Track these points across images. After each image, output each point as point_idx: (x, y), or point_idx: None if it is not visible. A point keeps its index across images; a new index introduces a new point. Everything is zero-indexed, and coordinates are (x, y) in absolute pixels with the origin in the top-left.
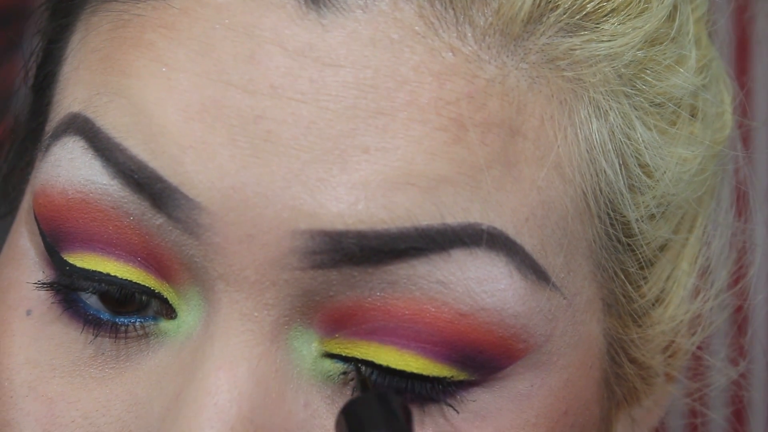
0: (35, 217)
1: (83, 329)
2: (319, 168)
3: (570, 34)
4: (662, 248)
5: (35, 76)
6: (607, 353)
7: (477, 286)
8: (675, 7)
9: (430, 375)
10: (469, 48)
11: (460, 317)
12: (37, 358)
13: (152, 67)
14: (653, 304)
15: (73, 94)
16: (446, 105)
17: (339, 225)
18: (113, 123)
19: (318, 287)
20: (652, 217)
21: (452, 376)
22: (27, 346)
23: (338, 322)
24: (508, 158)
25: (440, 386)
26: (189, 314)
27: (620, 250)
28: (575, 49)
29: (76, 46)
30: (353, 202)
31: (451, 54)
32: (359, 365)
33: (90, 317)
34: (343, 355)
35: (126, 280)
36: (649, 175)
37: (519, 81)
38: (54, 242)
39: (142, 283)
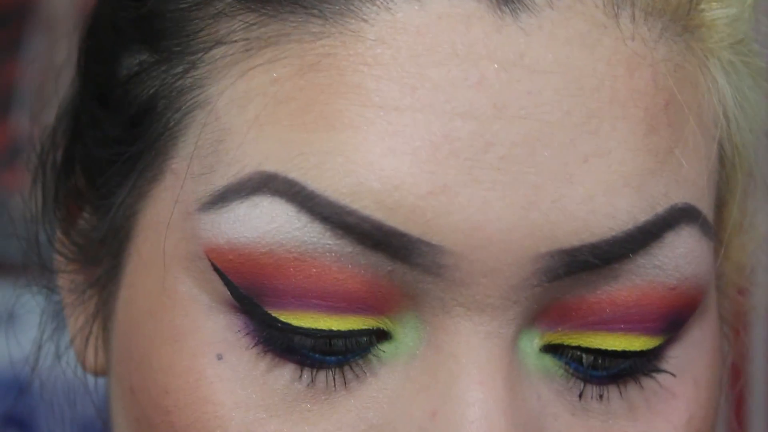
0: (216, 270)
1: (299, 370)
2: (549, 188)
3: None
4: (737, 178)
5: (123, 84)
6: (715, 286)
7: (683, 260)
8: None
9: (641, 350)
10: (642, 31)
11: (670, 291)
12: (245, 401)
13: (366, 113)
14: (729, 241)
15: (260, 150)
16: (640, 96)
17: (575, 242)
18: (333, 186)
19: (550, 294)
20: (745, 151)
21: (659, 345)
22: (231, 391)
23: (561, 317)
24: (683, 134)
25: (653, 356)
26: (406, 336)
27: (723, 187)
28: (714, 16)
29: (231, 80)
30: (584, 217)
31: (632, 41)
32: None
33: (307, 361)
34: (566, 344)
35: (348, 330)
36: (747, 118)
37: (680, 56)
38: (254, 295)
39: (363, 328)
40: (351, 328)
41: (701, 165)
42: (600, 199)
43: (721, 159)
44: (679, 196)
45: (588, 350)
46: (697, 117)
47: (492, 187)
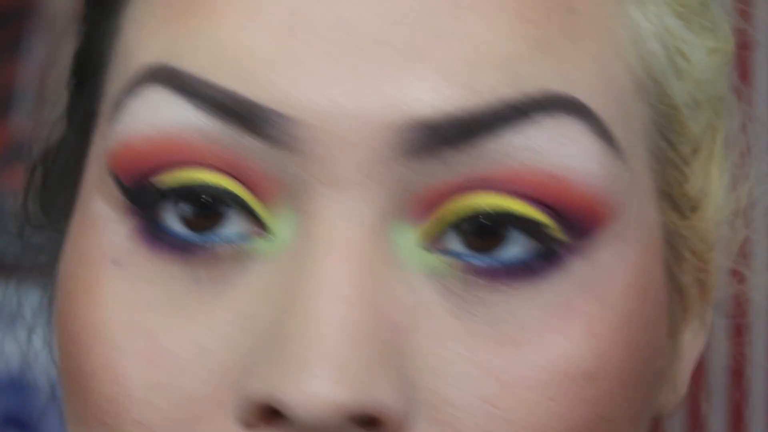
0: (114, 176)
1: (174, 258)
2: (404, 60)
3: None
4: (695, 152)
5: (79, 64)
6: (666, 242)
7: (563, 149)
8: None
9: (533, 218)
10: None
11: (552, 179)
12: (132, 299)
13: (235, 1)
14: (695, 207)
15: (147, 48)
16: None
17: (429, 111)
18: (198, 63)
19: (415, 176)
20: (689, 106)
21: (550, 227)
22: (121, 292)
23: (432, 205)
24: (570, 32)
25: (543, 239)
26: (283, 230)
27: (669, 140)
28: None
29: (135, 12)
30: (439, 88)
31: None
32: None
33: (181, 243)
34: (443, 223)
35: (218, 186)
36: (687, 60)
37: None
38: (139, 187)
39: (233, 191)
40: (220, 185)
41: (595, 70)
42: (457, 73)
43: (659, 107)
44: (560, 86)
45: (466, 219)
46: (591, 25)
47: (342, 59)
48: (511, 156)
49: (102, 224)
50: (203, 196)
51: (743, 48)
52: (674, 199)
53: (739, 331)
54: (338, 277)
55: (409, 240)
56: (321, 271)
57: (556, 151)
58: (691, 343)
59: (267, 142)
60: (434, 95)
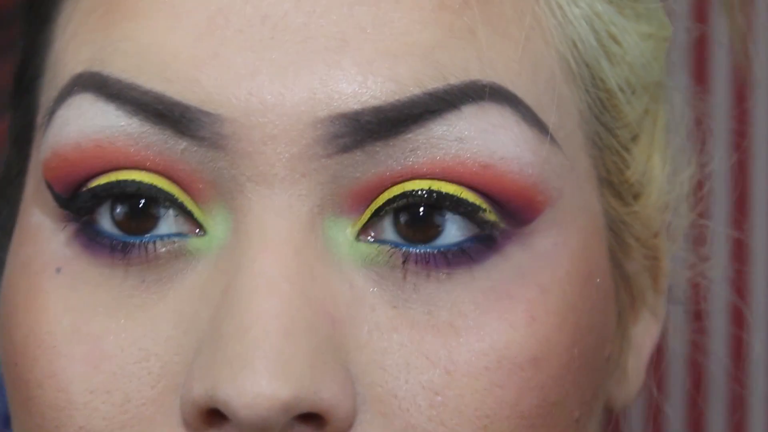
0: (48, 186)
1: (114, 262)
2: (326, 54)
3: None
4: (634, 137)
5: (17, 79)
6: (609, 229)
7: (493, 138)
8: None
9: (466, 199)
10: None
11: (483, 168)
12: (75, 304)
13: (156, 2)
14: (638, 194)
15: (76, 57)
16: None
17: (354, 105)
18: (122, 66)
19: (344, 171)
20: (624, 90)
21: (485, 210)
22: (63, 298)
23: (367, 198)
24: (491, 19)
25: (478, 235)
26: (217, 229)
27: (606, 122)
28: None
29: (65, 21)
30: (363, 80)
31: None
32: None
33: (117, 245)
34: (377, 212)
35: (152, 185)
36: (618, 44)
37: None
38: (73, 194)
39: (167, 190)
40: (154, 184)
41: (520, 55)
42: (380, 64)
43: (594, 92)
44: (484, 75)
45: (400, 208)
46: (515, 11)
47: (265, 54)
48: (440, 147)
49: (41, 234)
50: (138, 198)
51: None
52: (615, 185)
53: (697, 319)
54: (273, 273)
55: (345, 234)
56: (256, 268)
57: (485, 140)
58: (643, 335)
59: (196, 141)
60: (358, 88)
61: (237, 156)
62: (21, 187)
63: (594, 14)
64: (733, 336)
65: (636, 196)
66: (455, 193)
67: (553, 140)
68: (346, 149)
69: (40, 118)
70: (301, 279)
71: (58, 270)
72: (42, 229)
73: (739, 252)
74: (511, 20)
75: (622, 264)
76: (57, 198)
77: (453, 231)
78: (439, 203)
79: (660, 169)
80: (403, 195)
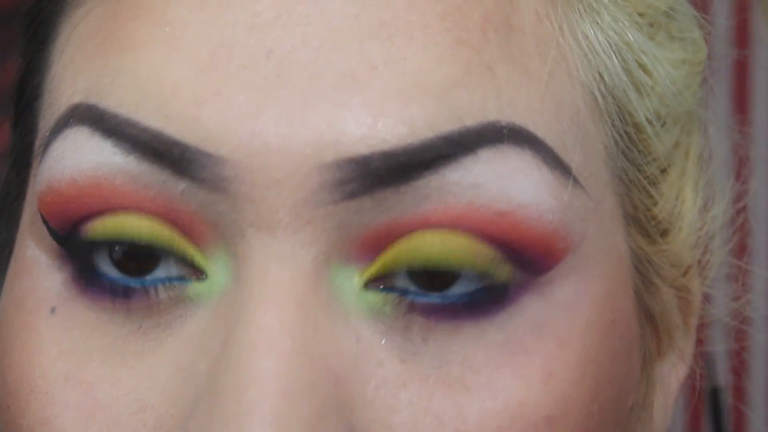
0: (43, 220)
1: (113, 306)
2: (333, 94)
3: None
4: (664, 170)
5: (18, 95)
6: (635, 269)
7: (510, 183)
8: None
9: (478, 253)
10: None
11: (499, 216)
12: (70, 348)
13: (155, 31)
14: (667, 229)
15: (73, 85)
16: (443, 6)
17: (363, 149)
18: (120, 101)
19: (352, 218)
20: (653, 122)
21: (499, 262)
22: (58, 340)
23: (376, 247)
24: (512, 54)
25: (490, 275)
26: (218, 274)
27: (633, 159)
28: None
29: (63, 44)
30: (372, 123)
31: None
32: None
33: (118, 289)
34: (388, 266)
35: (149, 233)
36: (648, 74)
37: None
38: (68, 234)
39: (166, 238)
40: (152, 233)
41: (543, 92)
42: (391, 105)
43: (621, 126)
44: (503, 115)
45: (403, 263)
46: (537, 44)
47: (269, 93)
48: (454, 193)
49: (37, 270)
50: (136, 250)
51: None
52: (642, 223)
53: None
54: (273, 328)
55: (352, 283)
56: (255, 322)
57: (502, 185)
58: (669, 373)
59: (196, 183)
60: (367, 131)
61: (239, 200)
62: (19, 212)
63: (623, 43)
64: None
65: (664, 233)
66: (468, 248)
67: (576, 182)
68: (353, 195)
69: (37, 143)
70: (303, 334)
71: (53, 310)
72: (37, 264)
73: None
74: (534, 55)
75: (648, 304)
76: (53, 234)
77: (469, 278)
78: (453, 260)
79: (691, 204)
80: (415, 249)
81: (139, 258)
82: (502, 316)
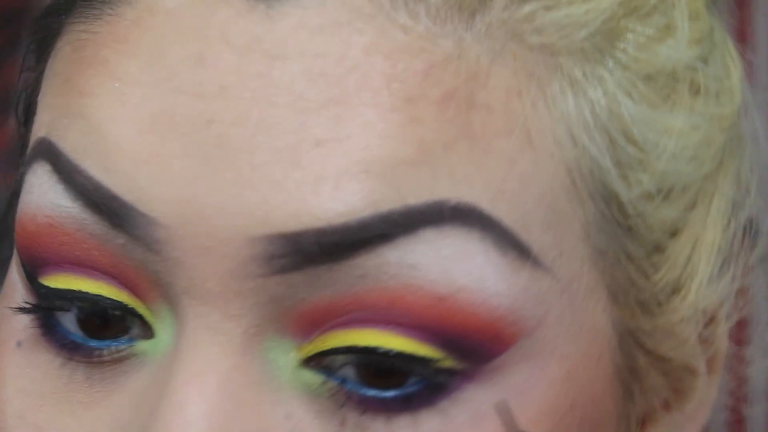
0: (18, 252)
1: (58, 354)
2: (271, 169)
3: (532, 0)
4: (674, 233)
5: (24, 111)
6: (618, 346)
7: (452, 265)
8: None
9: (414, 354)
10: (423, 26)
11: (438, 301)
12: (27, 387)
13: (106, 84)
14: (670, 293)
15: (41, 119)
16: (399, 84)
17: (294, 226)
18: (73, 145)
19: (285, 292)
20: (651, 196)
21: (439, 360)
22: (17, 377)
23: (313, 324)
24: (473, 132)
25: (429, 374)
26: (164, 332)
27: (621, 234)
28: (539, 17)
29: (48, 71)
30: (307, 199)
31: (402, 33)
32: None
33: (67, 342)
34: (320, 351)
35: (98, 295)
36: (641, 150)
37: (480, 56)
38: (31, 269)
39: (116, 299)
40: (101, 294)
41: (506, 171)
42: (329, 183)
43: (606, 203)
44: (454, 193)
45: (341, 350)
46: (506, 122)
47: (206, 162)
48: (390, 274)
49: (13, 297)
50: (87, 308)
51: None
52: (633, 294)
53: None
54: (192, 409)
55: (288, 357)
56: (176, 400)
57: (444, 268)
58: (682, 428)
59: (132, 239)
60: (300, 207)
61: (171, 264)
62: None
63: (614, 118)
64: None
65: (668, 298)
66: (405, 350)
67: (537, 263)
68: (284, 270)
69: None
70: (224, 413)
71: (19, 344)
72: (15, 290)
73: None
74: (501, 132)
75: (641, 377)
76: (23, 266)
77: (410, 374)
78: (388, 359)
79: (704, 268)
80: (348, 350)
81: (102, 323)
82: (442, 405)
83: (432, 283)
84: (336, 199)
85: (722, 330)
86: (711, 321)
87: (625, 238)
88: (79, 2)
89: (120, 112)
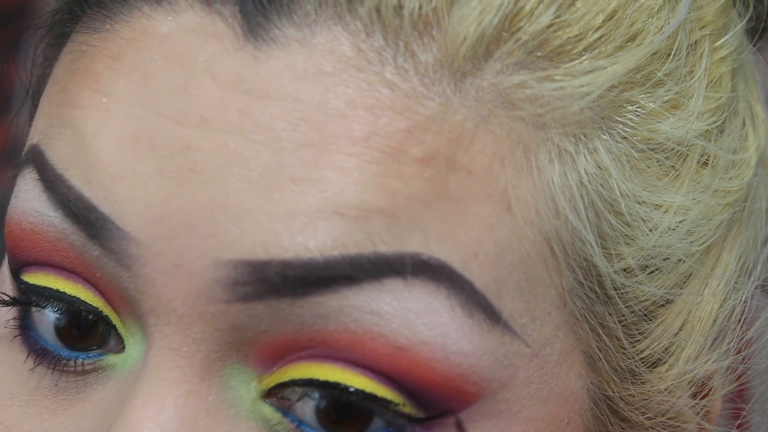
0: (7, 251)
1: (28, 357)
2: (244, 198)
3: (527, 70)
4: (665, 303)
5: (30, 113)
6: (590, 411)
7: (416, 318)
8: (675, 45)
9: (375, 394)
10: (409, 83)
11: (398, 351)
12: (0, 385)
13: (95, 97)
14: (655, 362)
15: (36, 125)
16: (380, 139)
17: (261, 254)
18: (59, 154)
19: (246, 321)
20: (632, 271)
21: (398, 404)
22: None
23: (274, 357)
24: (451, 192)
25: (390, 418)
26: (134, 348)
27: (599, 303)
28: (531, 87)
29: (50, 77)
30: (276, 230)
31: (388, 90)
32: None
33: (37, 348)
34: (281, 381)
35: (75, 297)
36: (627, 225)
37: (465, 120)
38: (16, 267)
39: (91, 303)
40: (77, 296)
41: (482, 235)
42: (301, 219)
43: (578, 271)
44: (426, 249)
45: (301, 382)
46: (486, 186)
47: (181, 184)
48: (353, 317)
49: (2, 289)
50: (63, 308)
51: None
52: (614, 362)
53: None
54: (141, 424)
55: (249, 388)
56: (132, 424)
57: (406, 319)
58: None
59: (106, 251)
60: (268, 237)
61: (140, 281)
62: None
63: (602, 191)
64: None
65: (649, 370)
66: (363, 388)
67: (507, 328)
68: (247, 299)
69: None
70: None
71: (0, 339)
72: (3, 283)
73: None
74: (481, 197)
75: None
76: (10, 264)
77: (368, 416)
78: (345, 397)
79: (699, 335)
80: (308, 382)
81: (78, 326)
82: None
83: (393, 332)
84: (306, 234)
85: (716, 397)
86: (702, 390)
87: (604, 308)
88: (87, 9)
89: (104, 127)
